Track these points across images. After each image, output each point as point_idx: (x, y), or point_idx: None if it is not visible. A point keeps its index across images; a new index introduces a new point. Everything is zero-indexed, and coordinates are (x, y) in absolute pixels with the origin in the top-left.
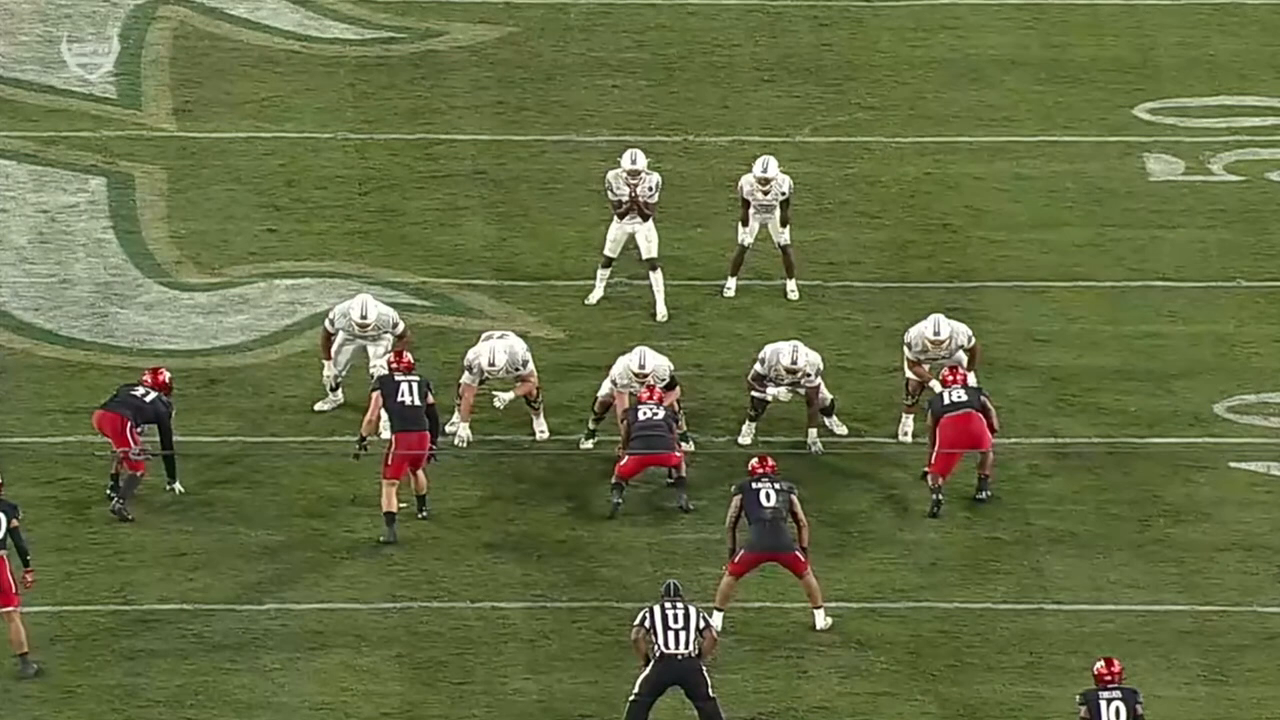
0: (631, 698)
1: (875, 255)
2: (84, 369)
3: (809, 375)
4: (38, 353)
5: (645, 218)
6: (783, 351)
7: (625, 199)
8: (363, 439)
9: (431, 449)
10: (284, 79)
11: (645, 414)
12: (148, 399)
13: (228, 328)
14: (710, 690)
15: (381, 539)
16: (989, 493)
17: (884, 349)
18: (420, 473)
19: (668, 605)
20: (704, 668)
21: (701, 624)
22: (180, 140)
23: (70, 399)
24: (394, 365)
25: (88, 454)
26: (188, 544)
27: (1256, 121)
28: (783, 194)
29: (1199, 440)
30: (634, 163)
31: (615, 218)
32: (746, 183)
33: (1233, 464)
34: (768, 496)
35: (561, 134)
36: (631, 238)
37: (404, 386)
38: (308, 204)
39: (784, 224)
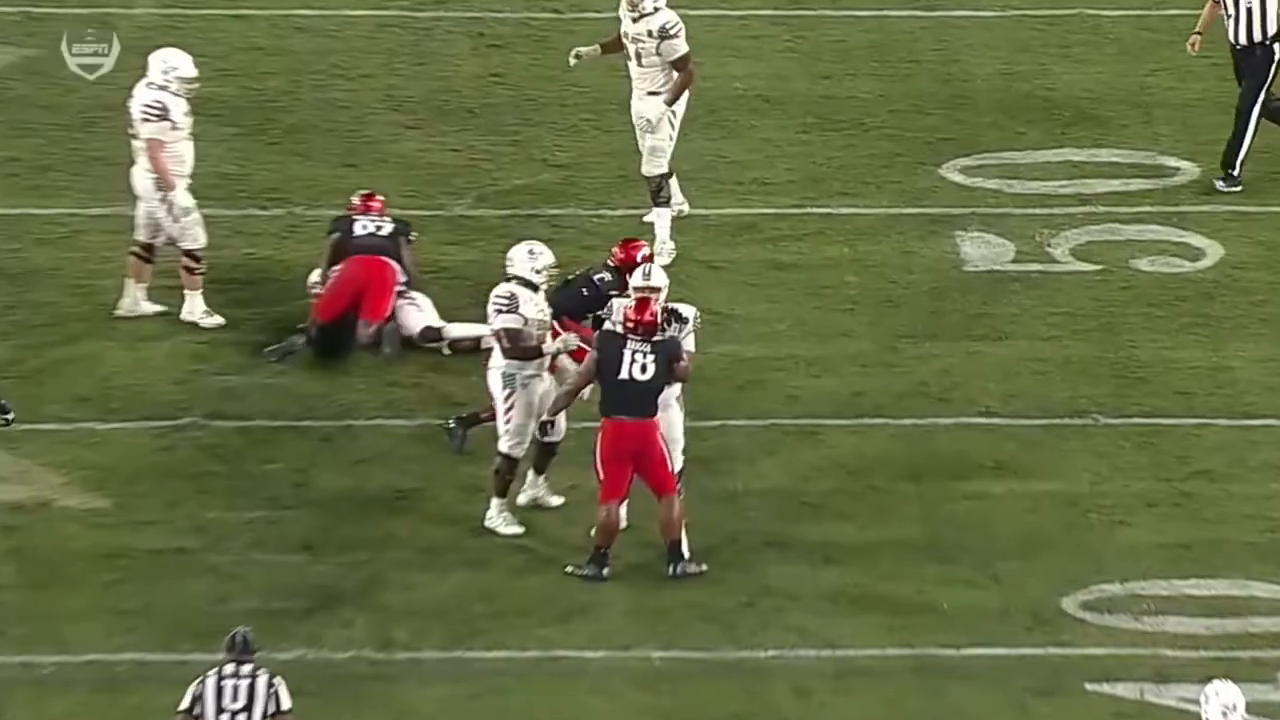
0: None
1: None
2: None
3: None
4: None
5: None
6: (635, 275)
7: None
8: None
9: None
10: None
11: (361, 228)
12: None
13: None
14: None
15: None
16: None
17: None
18: None
19: (227, 673)
20: None
21: (272, 707)
22: None
23: None
24: None
25: None
26: None
27: (1116, 185)
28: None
29: (1039, 651)
30: None
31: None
32: None
33: (1090, 686)
34: None
35: None
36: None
37: None
38: None
39: None
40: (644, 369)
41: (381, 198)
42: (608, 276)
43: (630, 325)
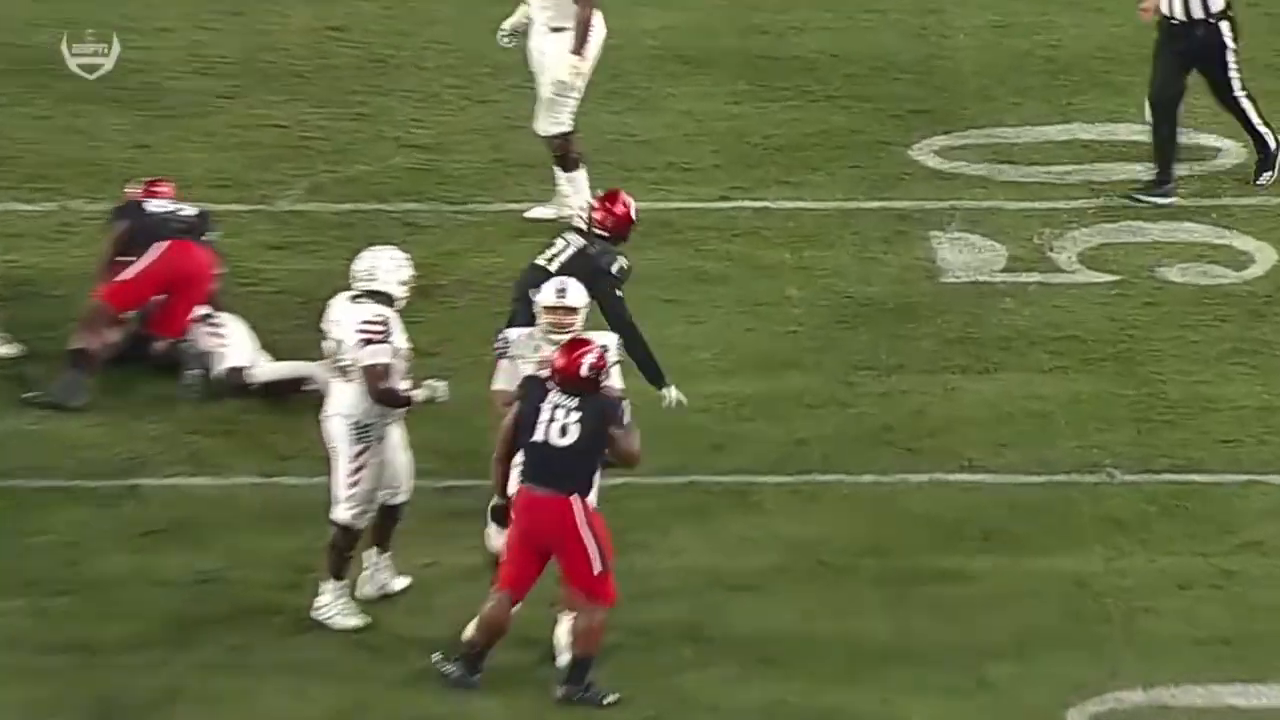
0: None
1: None
2: None
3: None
4: None
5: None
6: (543, 291)
7: None
8: None
9: None
10: None
11: (157, 206)
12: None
13: None
14: None
15: None
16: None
17: None
18: None
19: None
20: None
21: None
22: None
23: None
24: None
25: None
26: None
27: (1138, 170)
28: None
29: None
30: None
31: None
32: None
33: None
34: None
35: None
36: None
37: None
38: None
39: None
40: (564, 431)
41: (171, 184)
42: (604, 251)
43: (550, 372)
